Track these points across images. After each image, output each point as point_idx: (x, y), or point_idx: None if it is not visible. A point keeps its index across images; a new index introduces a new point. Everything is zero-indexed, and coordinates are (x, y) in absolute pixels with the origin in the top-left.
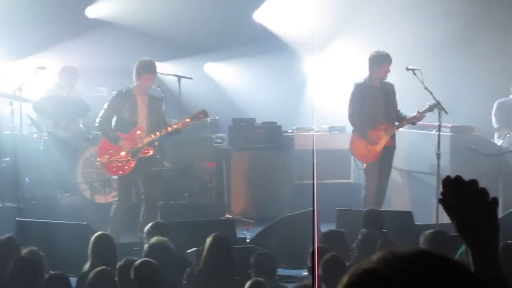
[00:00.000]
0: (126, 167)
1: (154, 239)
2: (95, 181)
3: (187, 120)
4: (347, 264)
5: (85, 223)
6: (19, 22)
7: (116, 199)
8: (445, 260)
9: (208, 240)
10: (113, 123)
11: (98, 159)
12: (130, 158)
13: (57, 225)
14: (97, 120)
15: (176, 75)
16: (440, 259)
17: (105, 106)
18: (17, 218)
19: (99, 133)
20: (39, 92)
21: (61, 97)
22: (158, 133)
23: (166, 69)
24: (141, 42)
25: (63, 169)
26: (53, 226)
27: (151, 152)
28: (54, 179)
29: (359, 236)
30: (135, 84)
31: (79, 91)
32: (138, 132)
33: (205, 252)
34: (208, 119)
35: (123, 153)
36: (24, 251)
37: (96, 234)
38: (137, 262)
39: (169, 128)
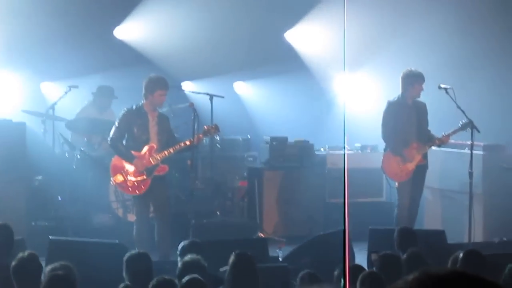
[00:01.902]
0: (142, 186)
1: (187, 257)
2: (127, 199)
3: (200, 135)
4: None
5: (117, 241)
6: (54, 41)
7: (135, 218)
8: (480, 280)
9: (231, 258)
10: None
11: (111, 178)
12: (146, 177)
13: (90, 244)
14: (110, 137)
15: (208, 94)
16: (475, 280)
17: (116, 123)
18: (50, 237)
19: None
20: (72, 111)
21: (93, 118)
22: (171, 150)
23: (196, 88)
24: (171, 60)
25: (96, 187)
26: (86, 245)
27: (166, 169)
28: (86, 197)
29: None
30: (146, 101)
31: (113, 112)
32: (151, 149)
33: (228, 270)
34: (240, 138)
35: (138, 172)
36: (55, 265)
37: (130, 253)
38: (185, 279)
39: (182, 144)
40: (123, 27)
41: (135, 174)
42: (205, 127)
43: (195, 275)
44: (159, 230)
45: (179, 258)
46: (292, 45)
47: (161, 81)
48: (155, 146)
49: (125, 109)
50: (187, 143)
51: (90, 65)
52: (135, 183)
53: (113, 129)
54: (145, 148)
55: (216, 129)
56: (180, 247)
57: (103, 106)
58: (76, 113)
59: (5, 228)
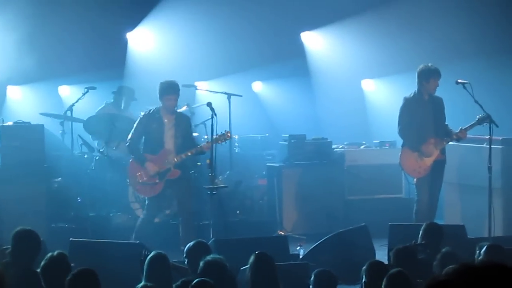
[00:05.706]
0: (155, 190)
1: (209, 257)
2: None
3: (209, 143)
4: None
5: (138, 242)
6: (70, 45)
7: (144, 213)
8: None
9: (251, 258)
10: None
11: (128, 180)
12: (158, 181)
13: (110, 245)
14: (128, 140)
15: (226, 93)
16: None
17: (134, 126)
18: (70, 238)
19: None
20: (90, 112)
21: (110, 115)
22: (183, 155)
23: (215, 87)
24: (189, 60)
25: (115, 188)
26: (106, 246)
27: (178, 174)
28: (106, 198)
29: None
30: (161, 105)
31: (132, 113)
32: (165, 153)
33: (248, 270)
34: (259, 136)
35: (151, 175)
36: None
37: (151, 254)
38: (195, 282)
39: (193, 150)
40: (136, 31)
41: (148, 177)
42: (215, 135)
43: (204, 278)
44: (183, 227)
45: (185, 259)
46: (308, 46)
47: (168, 87)
48: (170, 149)
49: (143, 112)
50: (198, 148)
51: (107, 69)
52: (148, 186)
53: (131, 132)
54: (160, 152)
55: (227, 136)
56: (187, 247)
57: (123, 106)
58: (96, 112)
59: (33, 235)
